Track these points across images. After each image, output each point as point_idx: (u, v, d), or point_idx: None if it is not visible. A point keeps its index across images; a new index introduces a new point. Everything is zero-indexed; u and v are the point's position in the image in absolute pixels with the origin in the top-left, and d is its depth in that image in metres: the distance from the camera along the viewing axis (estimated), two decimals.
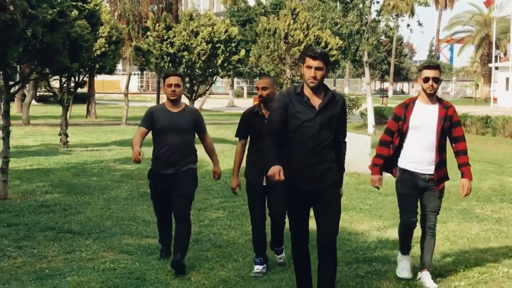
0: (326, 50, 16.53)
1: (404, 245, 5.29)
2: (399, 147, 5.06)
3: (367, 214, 8.03)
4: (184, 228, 5.35)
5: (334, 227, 4.34)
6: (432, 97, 4.97)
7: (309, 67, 4.18)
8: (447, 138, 5.07)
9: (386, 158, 5.12)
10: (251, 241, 5.53)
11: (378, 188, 5.26)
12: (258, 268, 5.32)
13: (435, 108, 4.96)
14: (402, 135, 5.02)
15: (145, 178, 10.20)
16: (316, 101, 4.26)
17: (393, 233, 6.98)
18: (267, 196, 5.35)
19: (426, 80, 4.90)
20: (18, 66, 7.51)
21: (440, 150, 4.96)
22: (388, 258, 5.91)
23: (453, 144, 5.07)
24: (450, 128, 4.98)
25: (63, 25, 6.10)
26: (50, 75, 10.44)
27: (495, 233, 7.01)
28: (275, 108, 4.35)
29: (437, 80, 4.90)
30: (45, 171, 11.06)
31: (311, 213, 4.43)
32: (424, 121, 4.94)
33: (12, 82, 8.05)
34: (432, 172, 4.96)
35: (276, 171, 4.11)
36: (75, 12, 6.78)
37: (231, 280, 5.09)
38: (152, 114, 5.38)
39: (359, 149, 11.52)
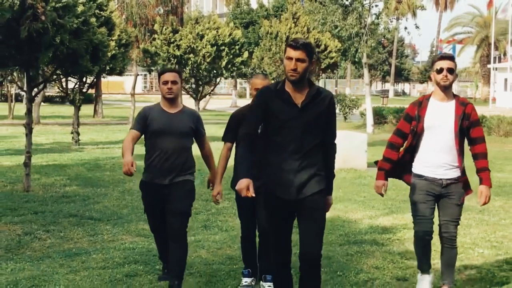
0: (326, 52, 17.20)
1: (422, 261, 4.70)
2: (414, 150, 4.55)
3: (361, 205, 8.72)
4: (181, 249, 4.78)
5: (317, 242, 3.81)
6: (447, 91, 4.44)
7: (290, 58, 3.67)
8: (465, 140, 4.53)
9: (393, 162, 4.63)
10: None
11: (382, 195, 4.67)
12: (246, 280, 4.93)
13: (451, 106, 4.44)
14: (417, 136, 4.50)
15: None
16: (298, 98, 3.73)
17: (384, 221, 7.69)
18: (256, 206, 4.66)
19: (439, 71, 4.38)
20: (43, 69, 8.22)
21: (462, 152, 4.44)
22: (376, 241, 6.60)
23: (471, 146, 4.51)
24: (468, 128, 4.44)
25: (86, 33, 6.84)
26: (67, 77, 11.18)
27: (476, 221, 7.69)
28: (252, 108, 3.88)
29: (451, 71, 4.38)
30: (61, 166, 11.80)
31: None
32: (440, 121, 4.42)
33: (34, 83, 8.80)
34: (450, 177, 4.46)
35: (243, 186, 3.61)
36: (93, 20, 7.49)
37: (237, 257, 5.78)
38: (146, 115, 4.78)
39: (356, 146, 12.28)
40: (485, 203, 4.51)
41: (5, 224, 7.01)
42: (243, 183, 3.63)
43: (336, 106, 25.35)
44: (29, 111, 8.67)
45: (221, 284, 5.04)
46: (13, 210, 7.71)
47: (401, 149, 4.68)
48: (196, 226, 7.11)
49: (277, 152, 3.75)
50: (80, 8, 6.89)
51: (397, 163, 4.64)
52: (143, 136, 4.83)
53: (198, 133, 4.93)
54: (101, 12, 8.59)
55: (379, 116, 25.32)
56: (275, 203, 3.80)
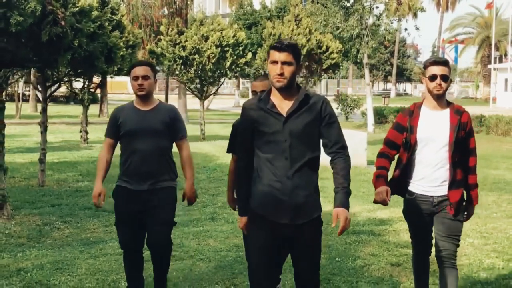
0: (327, 53, 17.63)
1: (419, 285, 4.33)
2: (408, 164, 4.08)
3: (360, 199, 9.16)
4: (166, 262, 4.40)
5: (314, 277, 3.45)
6: (441, 100, 4.01)
7: (275, 62, 3.25)
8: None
9: (388, 170, 4.11)
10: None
11: (386, 203, 4.00)
12: None
13: (445, 115, 4.01)
14: (411, 148, 4.04)
15: None
16: (285, 107, 3.30)
17: (381, 214, 8.13)
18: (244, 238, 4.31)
19: (432, 78, 3.96)
20: (58, 70, 8.70)
21: (455, 166, 3.99)
22: (374, 231, 7.05)
23: (464, 158, 4.07)
24: (464, 139, 4.01)
25: (102, 36, 7.31)
26: (78, 77, 11.66)
27: None
28: (239, 131, 3.50)
29: (445, 78, 3.96)
30: (72, 163, 12.26)
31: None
32: (433, 132, 3.99)
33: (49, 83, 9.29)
34: (442, 194, 3.99)
35: (242, 226, 3.47)
36: (107, 24, 7.95)
37: (243, 245, 6.23)
38: (117, 118, 4.33)
39: (356, 144, 12.73)
40: (466, 220, 4.20)
41: (25, 216, 7.47)
42: (243, 221, 3.46)
43: (338, 106, 25.46)
44: (44, 110, 9.15)
45: (229, 268, 5.49)
46: (31, 203, 8.17)
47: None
48: (204, 218, 7.56)
49: (265, 170, 3.32)
50: (94, 13, 7.35)
51: (393, 183, 4.13)
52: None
53: (174, 130, 4.35)
54: (113, 16, 9.05)
55: (380, 116, 25.77)
56: (267, 229, 3.33)
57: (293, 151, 3.27)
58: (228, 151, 4.52)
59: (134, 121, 4.26)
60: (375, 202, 4.02)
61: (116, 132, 4.32)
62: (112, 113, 4.40)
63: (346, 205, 3.28)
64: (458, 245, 4.13)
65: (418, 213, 4.09)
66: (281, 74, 3.25)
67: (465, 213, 4.16)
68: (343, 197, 3.28)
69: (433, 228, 4.16)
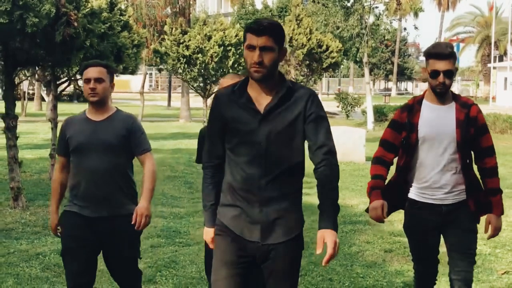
0: (327, 52, 18.01)
1: None
2: (407, 168, 3.52)
3: (358, 193, 9.55)
4: None
5: None
6: (444, 96, 3.46)
7: (252, 47, 2.63)
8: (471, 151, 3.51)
9: (384, 179, 3.55)
10: None
11: (382, 221, 3.48)
12: None
13: (450, 109, 3.44)
14: (411, 150, 3.47)
15: (167, 164, 11.90)
16: (263, 102, 2.70)
17: None
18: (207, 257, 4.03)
19: (434, 74, 3.37)
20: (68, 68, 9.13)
21: (467, 168, 3.46)
22: (369, 221, 7.41)
23: (479, 160, 3.51)
24: (475, 136, 3.42)
25: (112, 36, 7.74)
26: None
27: None
28: (208, 126, 2.87)
29: (450, 75, 3.35)
30: None
31: None
32: (437, 129, 3.41)
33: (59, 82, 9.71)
34: (452, 202, 3.46)
35: (210, 238, 2.84)
36: (116, 25, 8.36)
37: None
38: (64, 131, 3.65)
39: (355, 141, 13.16)
40: (493, 236, 3.49)
41: (39, 207, 7.89)
42: (210, 234, 2.84)
43: (338, 105, 25.80)
44: (54, 107, 9.59)
45: None
46: (44, 195, 8.58)
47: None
48: None
49: (238, 176, 2.72)
50: (104, 15, 7.77)
51: (393, 190, 3.59)
52: None
53: (133, 143, 3.62)
54: (121, 17, 9.40)
55: (380, 114, 26.16)
56: (234, 243, 2.74)
57: (270, 156, 2.68)
58: (197, 161, 4.07)
59: (83, 134, 3.57)
60: (371, 217, 3.51)
61: (65, 148, 3.63)
62: (61, 126, 3.71)
63: (334, 226, 2.60)
64: (474, 263, 3.53)
65: (424, 226, 3.52)
66: (260, 63, 2.63)
67: (489, 228, 3.49)
68: (330, 216, 2.61)
69: (443, 244, 3.60)
